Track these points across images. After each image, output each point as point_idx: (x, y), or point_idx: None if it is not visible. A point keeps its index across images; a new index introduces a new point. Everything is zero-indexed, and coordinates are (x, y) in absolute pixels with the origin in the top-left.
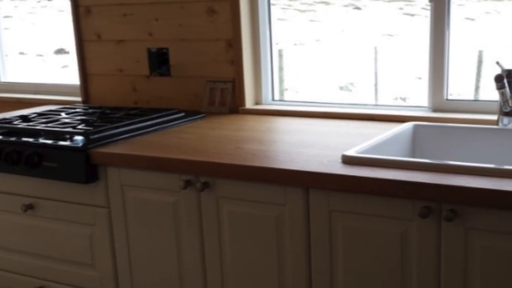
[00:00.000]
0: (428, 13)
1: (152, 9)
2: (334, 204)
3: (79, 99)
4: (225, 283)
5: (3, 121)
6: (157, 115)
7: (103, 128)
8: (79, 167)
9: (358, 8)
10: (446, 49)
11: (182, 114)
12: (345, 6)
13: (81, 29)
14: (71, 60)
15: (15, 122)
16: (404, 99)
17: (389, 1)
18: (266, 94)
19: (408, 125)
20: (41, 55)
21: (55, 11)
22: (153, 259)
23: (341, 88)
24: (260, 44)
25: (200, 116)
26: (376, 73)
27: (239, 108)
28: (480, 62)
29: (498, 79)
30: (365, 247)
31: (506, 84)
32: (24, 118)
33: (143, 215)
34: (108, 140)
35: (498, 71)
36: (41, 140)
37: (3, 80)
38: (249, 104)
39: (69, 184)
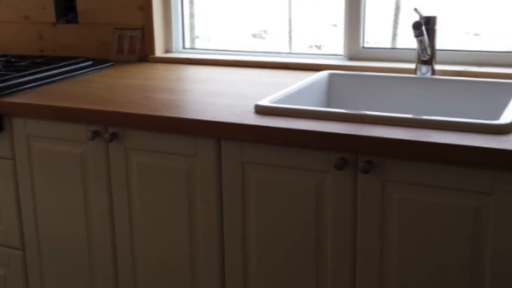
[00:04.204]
0: None
1: None
2: (246, 155)
3: None
4: (134, 236)
5: None
6: (63, 63)
7: (7, 77)
8: None
9: None
10: None
11: (90, 62)
12: None
13: None
14: None
15: None
16: (319, 47)
17: None
18: (177, 42)
19: (323, 73)
20: None
21: None
22: (60, 212)
23: (254, 35)
24: None
25: (108, 64)
26: (290, 20)
27: (149, 57)
28: (397, 8)
29: (416, 26)
30: (279, 199)
31: (424, 32)
32: None
33: (50, 167)
34: (13, 90)
35: (416, 18)
36: None
37: None
38: (159, 52)
39: None
